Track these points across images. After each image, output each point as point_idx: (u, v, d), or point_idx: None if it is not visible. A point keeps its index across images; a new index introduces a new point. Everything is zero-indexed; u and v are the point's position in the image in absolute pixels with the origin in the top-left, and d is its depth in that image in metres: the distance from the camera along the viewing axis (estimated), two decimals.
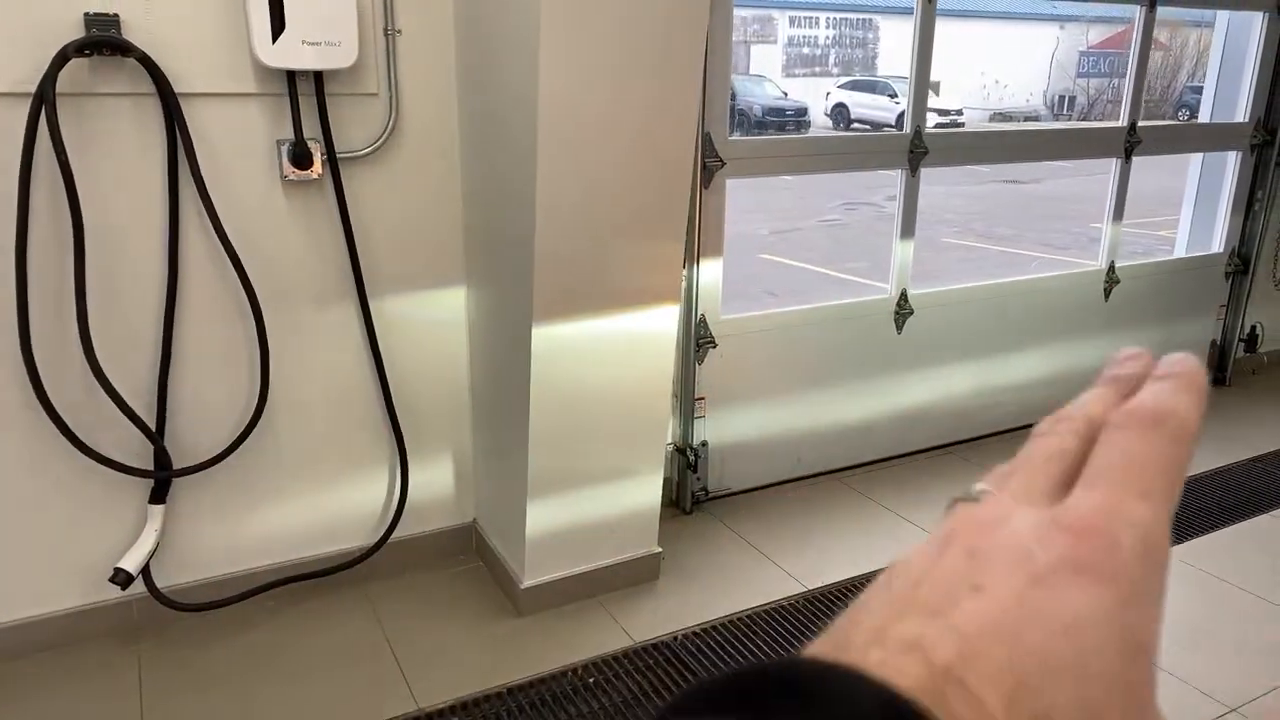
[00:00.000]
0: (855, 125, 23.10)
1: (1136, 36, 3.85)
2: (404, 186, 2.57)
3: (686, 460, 3.18)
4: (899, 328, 3.57)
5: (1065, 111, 29.97)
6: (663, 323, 2.50)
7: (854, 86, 24.47)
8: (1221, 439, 3.95)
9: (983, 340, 3.81)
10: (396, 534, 2.81)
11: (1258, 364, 4.75)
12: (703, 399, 3.20)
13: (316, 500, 2.69)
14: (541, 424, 2.44)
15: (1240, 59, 4.28)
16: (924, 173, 3.41)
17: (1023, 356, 3.94)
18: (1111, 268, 4.08)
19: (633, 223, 2.35)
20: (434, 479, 2.86)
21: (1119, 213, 4.01)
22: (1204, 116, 4.46)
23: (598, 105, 2.18)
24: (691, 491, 3.25)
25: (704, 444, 3.24)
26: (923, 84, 3.33)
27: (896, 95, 23.16)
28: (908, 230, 3.48)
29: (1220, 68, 4.39)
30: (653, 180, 2.33)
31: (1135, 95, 3.88)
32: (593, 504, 2.62)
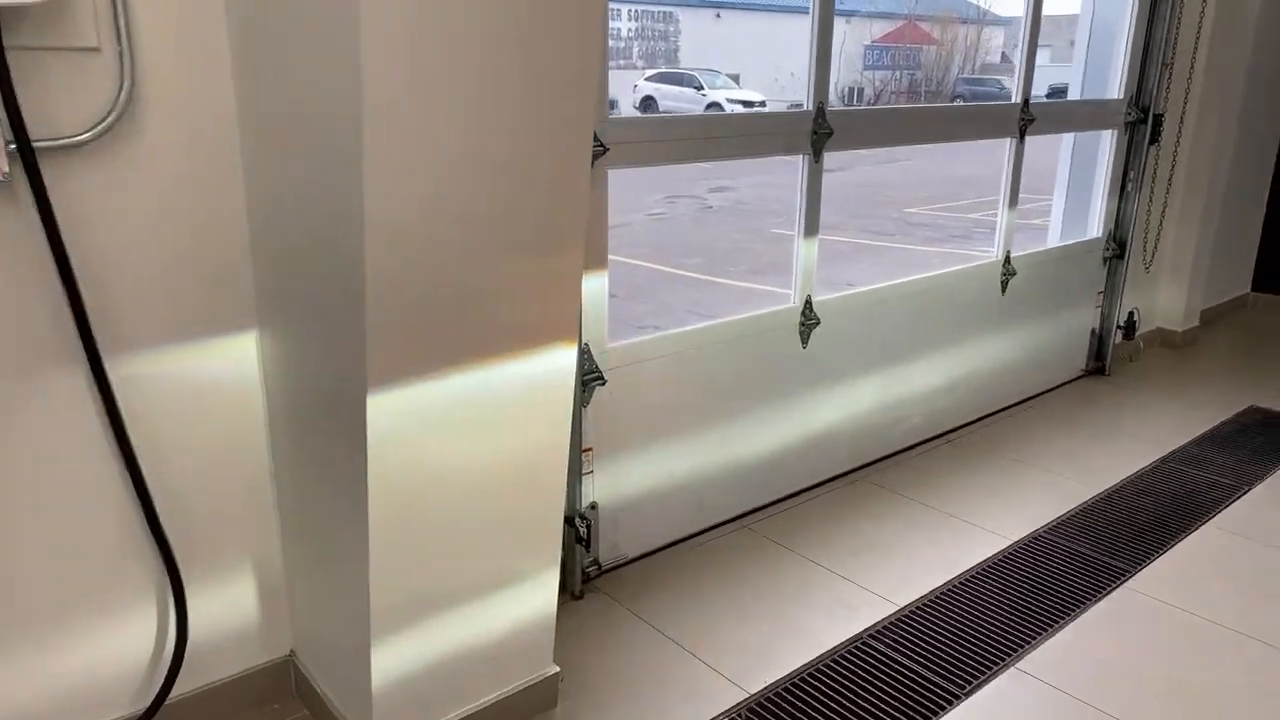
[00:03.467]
0: None
1: (1028, 16, 3.49)
2: (151, 190, 1.70)
3: (575, 533, 2.48)
4: (804, 341, 3.02)
5: (854, 103, 31.37)
6: (556, 368, 1.78)
7: (661, 79, 24.36)
8: (1123, 436, 3.70)
9: (887, 348, 3.34)
10: (176, 692, 1.94)
11: (1134, 350, 4.61)
12: (589, 451, 2.51)
13: (43, 669, 1.78)
14: (385, 521, 1.66)
15: (1110, 36, 4.06)
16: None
17: (926, 362, 3.51)
18: (1007, 259, 3.73)
19: (511, 232, 1.62)
20: (228, 607, 2.00)
21: (1014, 199, 3.66)
22: (1074, 95, 4.22)
23: (452, 76, 1.44)
24: (582, 569, 2.55)
25: (593, 507, 2.55)
26: (824, 58, 2.77)
27: (703, 88, 23.25)
28: (811, 227, 2.93)
29: (1089, 46, 4.16)
30: (537, 172, 1.61)
31: (1028, 72, 3.53)
32: (464, 624, 1.87)
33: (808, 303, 2.98)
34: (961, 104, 3.71)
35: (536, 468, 1.84)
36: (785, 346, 2.97)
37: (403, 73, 1.39)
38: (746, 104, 22.95)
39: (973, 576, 2.70)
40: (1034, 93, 3.55)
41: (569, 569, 2.51)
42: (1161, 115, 4.18)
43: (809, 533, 2.93)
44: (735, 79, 26.06)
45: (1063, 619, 2.49)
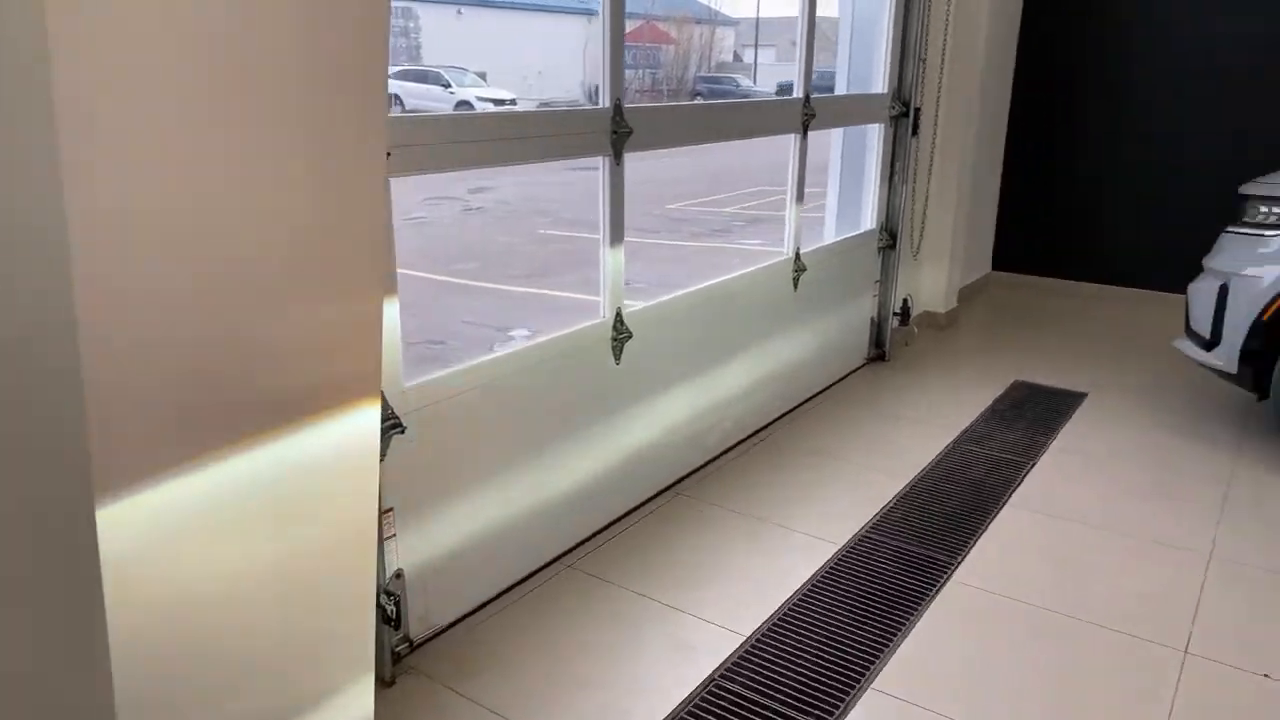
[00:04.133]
0: None
1: (804, 15, 3.46)
2: None
3: (382, 612, 2.09)
4: (618, 356, 2.79)
5: (600, 102, 31.75)
6: (357, 435, 1.41)
7: (405, 77, 23.35)
8: (916, 421, 3.80)
9: (696, 355, 3.19)
10: None
11: (909, 335, 4.80)
12: (389, 512, 2.12)
13: None
14: (132, 670, 1.23)
15: (871, 33, 4.16)
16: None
17: (731, 365, 3.40)
18: (797, 255, 3.70)
19: (288, 273, 1.24)
20: None
21: (800, 195, 3.63)
22: (840, 90, 4.30)
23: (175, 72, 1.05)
24: (391, 650, 2.16)
25: (399, 576, 2.17)
26: (618, 53, 2.54)
27: (451, 86, 22.55)
28: (618, 234, 2.70)
29: (851, 42, 4.24)
30: (320, 189, 1.24)
31: (806, 69, 3.50)
32: None
33: (619, 316, 2.75)
34: (752, 101, 3.64)
35: (337, 569, 1.46)
36: (598, 364, 2.72)
37: (97, 73, 0.98)
38: (498, 102, 22.52)
39: (810, 590, 2.59)
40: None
41: (376, 656, 2.11)
42: (919, 108, 4.36)
43: (636, 564, 2.70)
44: (483, 77, 25.55)
45: (904, 625, 2.43)
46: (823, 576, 2.66)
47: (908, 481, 3.27)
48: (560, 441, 2.63)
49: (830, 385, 4.21)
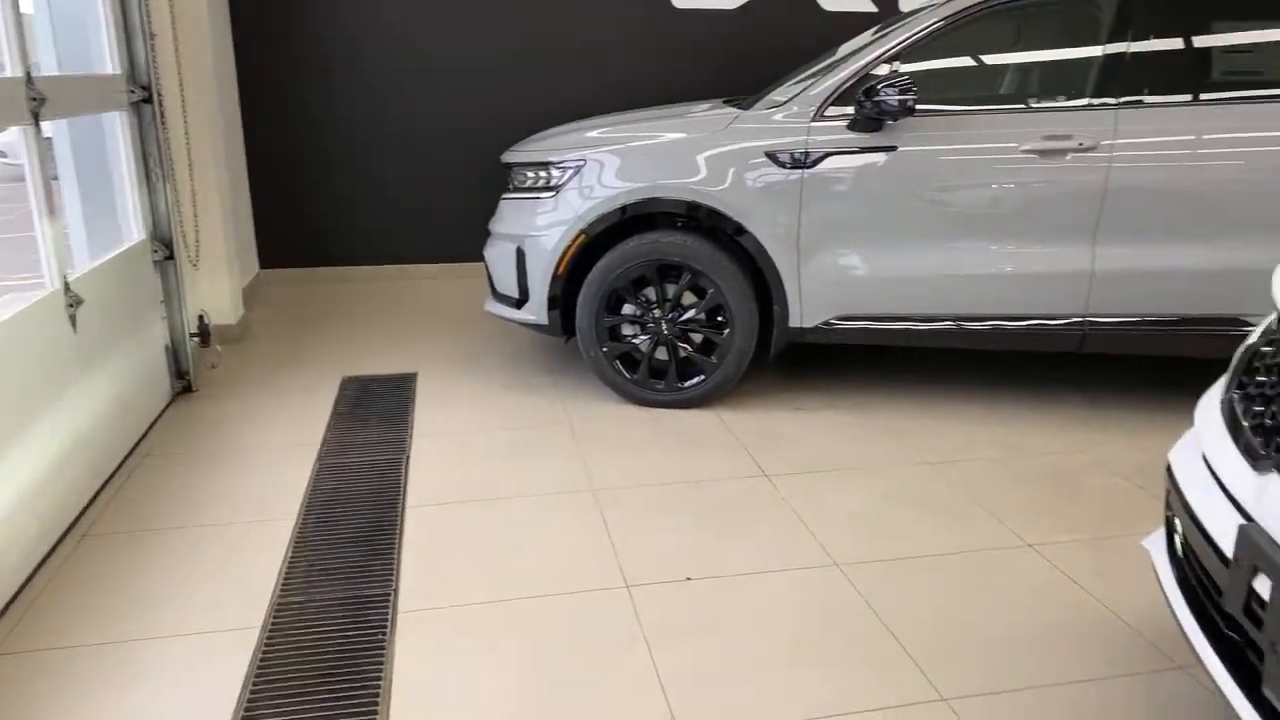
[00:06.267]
0: None
1: None
2: None
3: None
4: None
5: None
6: None
7: None
8: (259, 452, 3.30)
9: None
10: None
11: (216, 357, 4.14)
12: None
13: None
14: None
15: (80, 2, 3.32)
16: None
17: (8, 454, 2.44)
18: (67, 285, 2.81)
19: None
20: None
21: (51, 206, 2.74)
22: (49, 71, 3.37)
23: None
24: None
25: None
26: None
27: None
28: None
29: (50, 7, 3.34)
30: None
31: (20, 37, 2.59)
32: None
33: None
34: None
35: None
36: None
37: None
38: None
39: (255, 693, 2.03)
40: None
41: None
42: (161, 93, 3.69)
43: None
44: None
45: (377, 682, 2.07)
46: (259, 676, 2.11)
47: (293, 525, 2.81)
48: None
49: (143, 437, 3.39)
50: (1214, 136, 3.30)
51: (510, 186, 3.93)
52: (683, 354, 3.71)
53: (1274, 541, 1.36)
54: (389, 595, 2.43)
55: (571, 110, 5.27)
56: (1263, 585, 1.36)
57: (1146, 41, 3.40)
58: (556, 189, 3.69)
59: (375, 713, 1.97)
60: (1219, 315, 3.35)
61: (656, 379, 3.75)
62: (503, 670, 2.13)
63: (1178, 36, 3.42)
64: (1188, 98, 3.35)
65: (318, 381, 4.03)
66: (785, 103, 3.57)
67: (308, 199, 5.76)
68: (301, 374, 4.13)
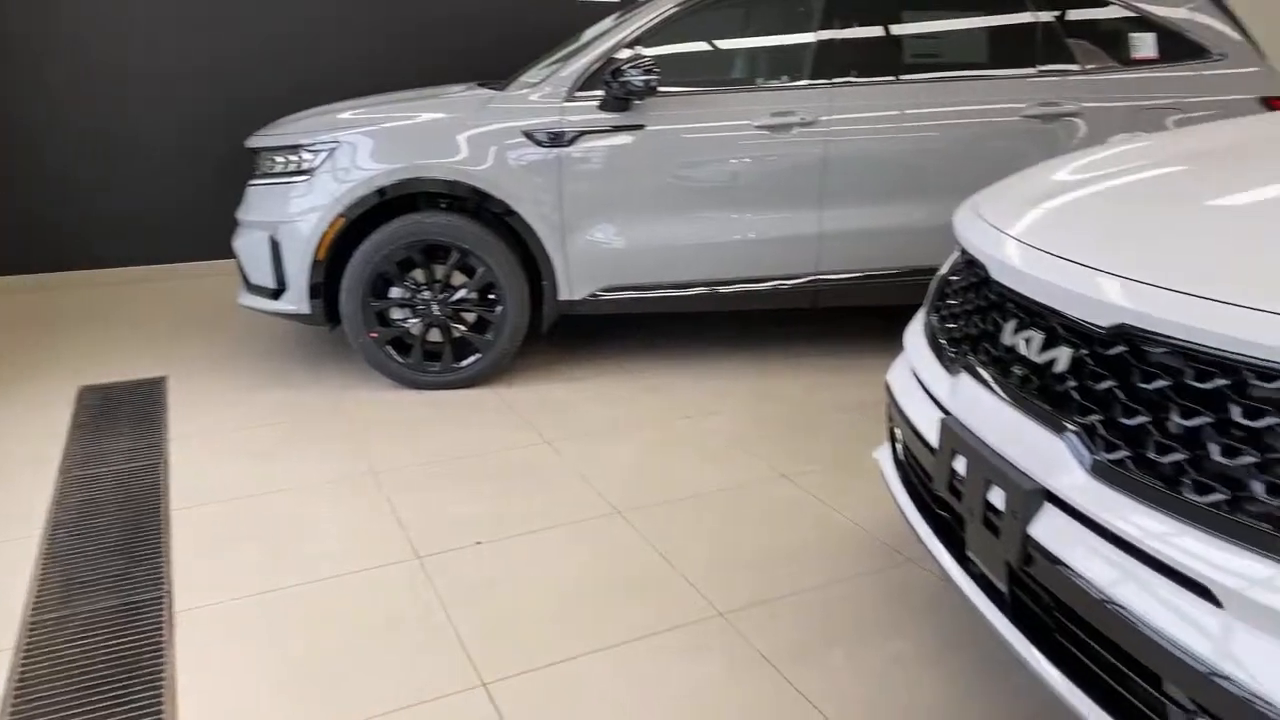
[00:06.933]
0: None
1: None
2: None
3: None
4: None
5: None
6: None
7: None
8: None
9: None
10: None
11: None
12: None
13: None
14: None
15: None
16: None
17: None
18: None
19: None
20: None
21: None
22: None
23: None
24: None
25: None
26: None
27: None
28: None
29: None
30: None
31: None
32: None
33: None
34: None
35: None
36: None
37: None
38: None
39: (15, 713, 1.88)
40: None
41: None
42: None
43: None
44: None
45: (159, 695, 1.98)
46: (18, 697, 1.95)
47: (39, 542, 2.58)
48: None
49: None
50: (913, 111, 3.79)
51: (258, 172, 3.77)
52: (456, 334, 3.74)
53: (964, 426, 1.65)
54: (161, 598, 2.31)
55: (300, 98, 5.10)
56: (960, 464, 1.65)
57: (852, 29, 3.84)
58: (309, 172, 3.59)
59: (161, 712, 1.89)
60: (930, 266, 3.86)
61: (431, 361, 3.76)
62: (295, 649, 2.10)
63: (878, 25, 3.90)
64: (891, 78, 3.83)
65: (49, 395, 3.67)
66: (538, 84, 3.69)
67: (12, 206, 5.17)
68: (27, 388, 3.74)
